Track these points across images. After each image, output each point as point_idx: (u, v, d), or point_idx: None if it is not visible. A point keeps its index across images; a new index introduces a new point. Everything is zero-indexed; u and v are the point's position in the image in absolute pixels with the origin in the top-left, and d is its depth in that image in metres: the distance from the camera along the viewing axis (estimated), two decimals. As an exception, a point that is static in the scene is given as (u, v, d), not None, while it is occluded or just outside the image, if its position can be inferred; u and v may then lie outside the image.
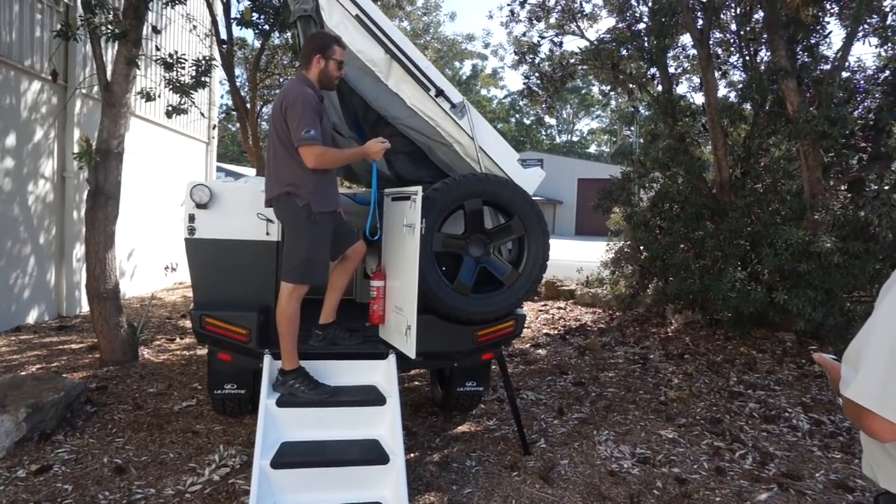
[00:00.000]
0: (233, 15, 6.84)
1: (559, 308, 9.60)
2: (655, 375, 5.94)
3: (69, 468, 3.57)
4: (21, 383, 4.11)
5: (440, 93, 3.67)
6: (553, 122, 54.81)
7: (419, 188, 3.25)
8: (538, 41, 9.37)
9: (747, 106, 7.38)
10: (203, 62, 6.07)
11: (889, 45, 6.26)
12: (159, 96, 6.61)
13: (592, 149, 56.23)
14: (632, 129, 11.04)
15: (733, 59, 8.30)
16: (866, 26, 6.16)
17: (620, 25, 8.59)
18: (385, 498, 2.99)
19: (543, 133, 55.83)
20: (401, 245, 3.50)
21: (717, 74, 7.75)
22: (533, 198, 3.76)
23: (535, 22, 9.38)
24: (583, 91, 46.47)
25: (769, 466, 3.98)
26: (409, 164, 4.27)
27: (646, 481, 3.72)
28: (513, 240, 3.82)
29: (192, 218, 3.56)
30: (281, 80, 9.92)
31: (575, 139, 57.25)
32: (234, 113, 8.82)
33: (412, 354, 3.29)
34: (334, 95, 4.00)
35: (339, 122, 3.90)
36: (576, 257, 13.77)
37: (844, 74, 6.54)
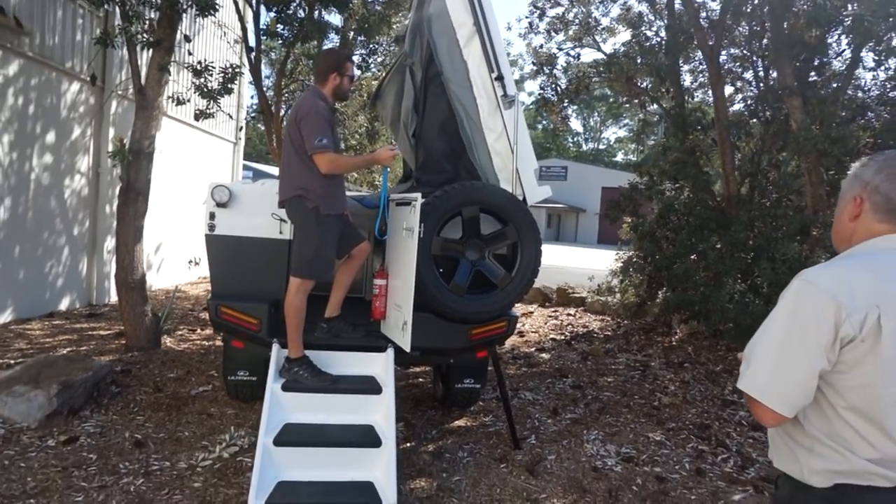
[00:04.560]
0: (261, 24, 7.20)
1: (569, 314, 9.79)
2: (653, 382, 6.11)
3: (94, 440, 3.91)
4: (54, 362, 4.47)
5: (500, 78, 3.95)
6: (580, 129, 54.77)
7: (419, 195, 3.52)
8: (556, 53, 9.61)
9: (756, 121, 7.51)
10: (230, 70, 6.41)
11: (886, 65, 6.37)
12: (189, 100, 6.98)
13: (619, 157, 55.98)
14: (654, 139, 11.16)
15: (747, 74, 8.44)
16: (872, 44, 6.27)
17: (635, 40, 8.77)
18: (376, 478, 3.25)
19: (570, 140, 55.71)
20: (401, 247, 3.77)
21: (731, 89, 7.90)
22: (528, 207, 4.02)
23: (553, 34, 9.62)
24: (610, 99, 46.34)
25: (749, 470, 4.16)
26: (433, 129, 4.28)
27: (626, 478, 3.93)
28: (507, 245, 4.07)
29: (212, 216, 3.89)
30: (306, 83, 10.29)
31: (602, 147, 57.09)
32: (261, 114, 9.22)
33: (407, 348, 3.56)
34: (407, 82, 4.28)
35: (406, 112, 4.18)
36: (595, 266, 13.85)
37: (855, 93, 6.66)
